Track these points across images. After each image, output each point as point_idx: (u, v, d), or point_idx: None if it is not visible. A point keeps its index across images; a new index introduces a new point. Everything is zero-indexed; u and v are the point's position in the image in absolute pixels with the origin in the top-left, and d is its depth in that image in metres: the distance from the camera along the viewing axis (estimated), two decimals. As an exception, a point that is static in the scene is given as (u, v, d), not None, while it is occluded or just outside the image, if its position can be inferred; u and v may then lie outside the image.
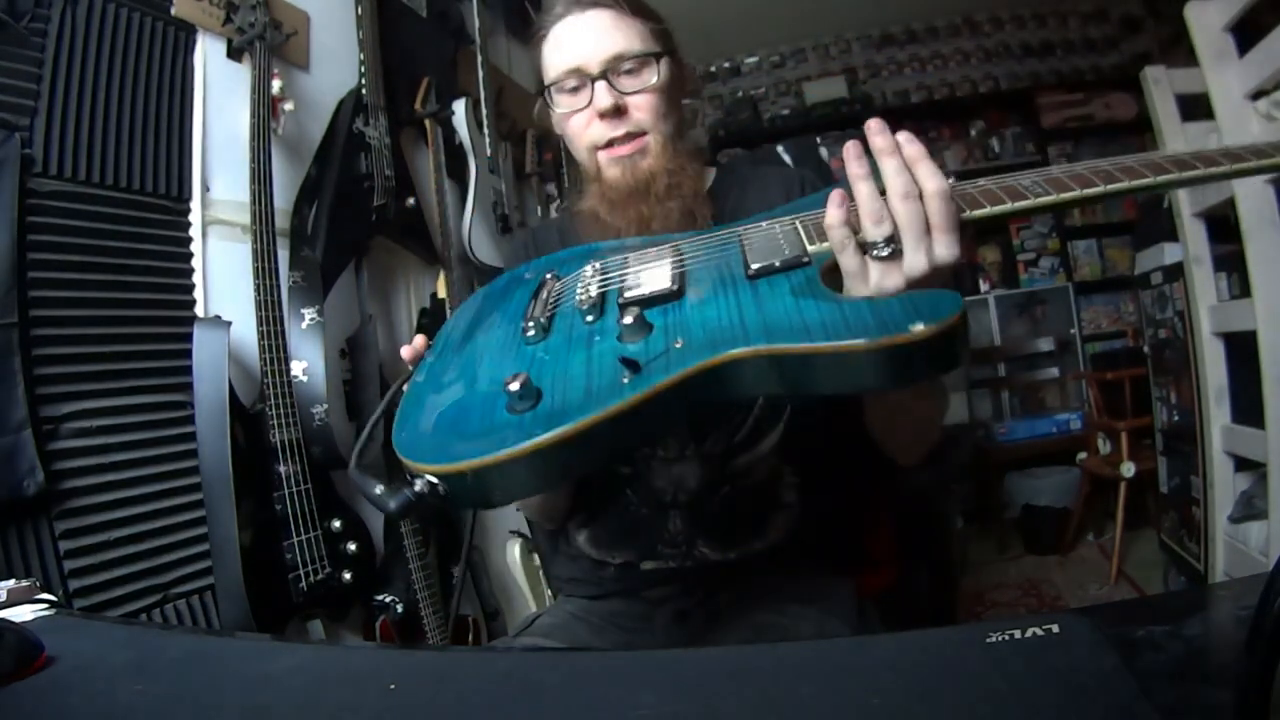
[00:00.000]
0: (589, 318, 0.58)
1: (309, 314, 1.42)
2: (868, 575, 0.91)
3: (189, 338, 1.20)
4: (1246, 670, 0.29)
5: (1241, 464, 1.73)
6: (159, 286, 1.27)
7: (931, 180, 0.53)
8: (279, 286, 1.30)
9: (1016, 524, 3.10)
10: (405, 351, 0.66)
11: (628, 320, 0.53)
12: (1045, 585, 2.66)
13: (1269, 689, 0.28)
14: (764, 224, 0.64)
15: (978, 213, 0.55)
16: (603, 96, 0.80)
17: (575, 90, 0.82)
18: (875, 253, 0.54)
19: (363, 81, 1.67)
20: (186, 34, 1.36)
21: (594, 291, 0.60)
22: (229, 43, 1.40)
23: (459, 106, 2.01)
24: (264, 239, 1.29)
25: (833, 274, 0.56)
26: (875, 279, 0.55)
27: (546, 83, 0.85)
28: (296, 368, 1.37)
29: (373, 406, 1.58)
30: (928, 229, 0.53)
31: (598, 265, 0.66)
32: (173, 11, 1.32)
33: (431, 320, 1.91)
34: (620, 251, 0.69)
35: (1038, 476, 3.12)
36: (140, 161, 1.26)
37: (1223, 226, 1.70)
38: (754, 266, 0.57)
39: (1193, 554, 1.99)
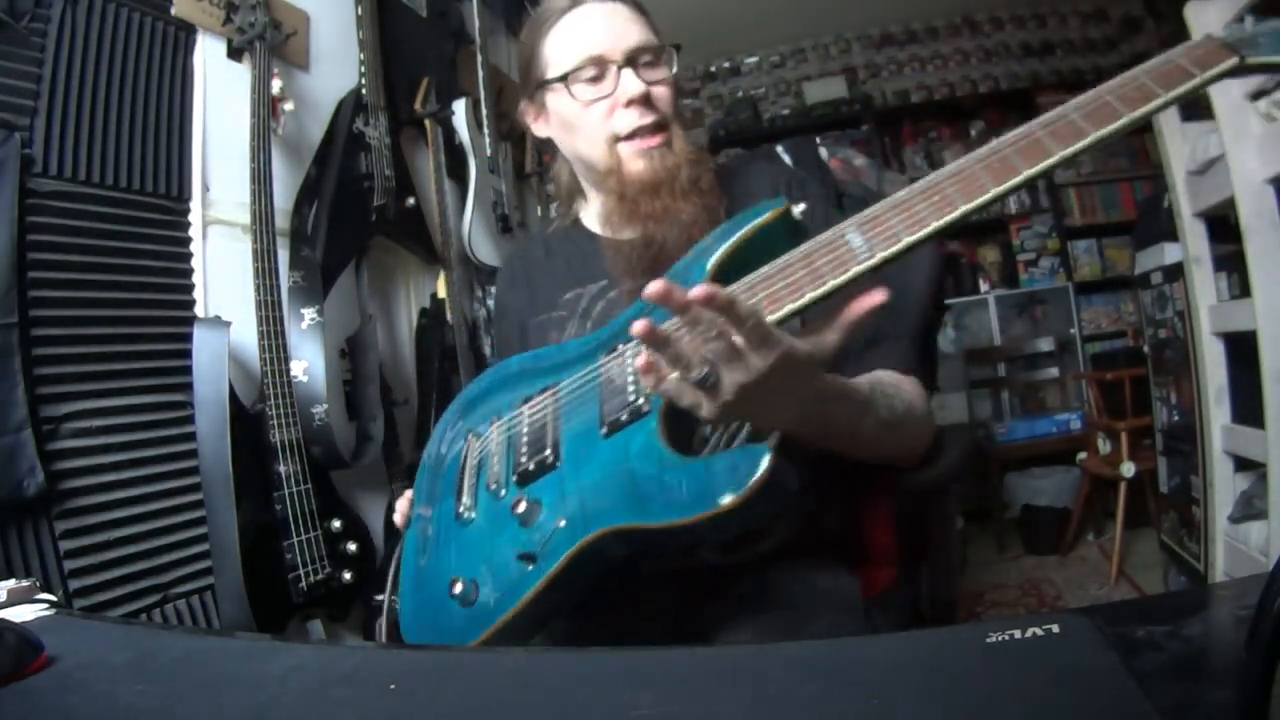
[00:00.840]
0: (501, 493, 0.67)
1: (309, 314, 1.42)
2: (868, 575, 0.91)
3: (189, 338, 1.20)
4: (1246, 670, 0.29)
5: (1241, 464, 1.73)
6: (159, 286, 1.27)
7: (732, 310, 0.51)
8: (279, 286, 1.30)
9: (1016, 524, 3.10)
10: (398, 518, 0.79)
11: (520, 510, 0.61)
12: (1045, 585, 2.65)
13: (1269, 689, 0.28)
14: (626, 356, 0.66)
15: (780, 313, 0.56)
16: (634, 83, 0.80)
17: (595, 79, 0.81)
18: (701, 384, 0.54)
19: (363, 81, 1.67)
20: (186, 34, 1.35)
21: (497, 467, 0.69)
22: (229, 43, 1.40)
23: (459, 106, 2.01)
24: (264, 239, 1.29)
25: (675, 407, 0.58)
26: (709, 408, 0.55)
27: (557, 74, 0.83)
28: (296, 368, 1.37)
29: (373, 406, 1.59)
30: (736, 352, 0.52)
31: (500, 423, 0.73)
32: (173, 11, 1.32)
33: (430, 321, 1.90)
34: (522, 388, 0.75)
35: (1038, 476, 3.11)
36: (140, 161, 1.26)
37: (1223, 226, 1.70)
38: (606, 423, 0.62)
39: (1193, 554, 1.99)
